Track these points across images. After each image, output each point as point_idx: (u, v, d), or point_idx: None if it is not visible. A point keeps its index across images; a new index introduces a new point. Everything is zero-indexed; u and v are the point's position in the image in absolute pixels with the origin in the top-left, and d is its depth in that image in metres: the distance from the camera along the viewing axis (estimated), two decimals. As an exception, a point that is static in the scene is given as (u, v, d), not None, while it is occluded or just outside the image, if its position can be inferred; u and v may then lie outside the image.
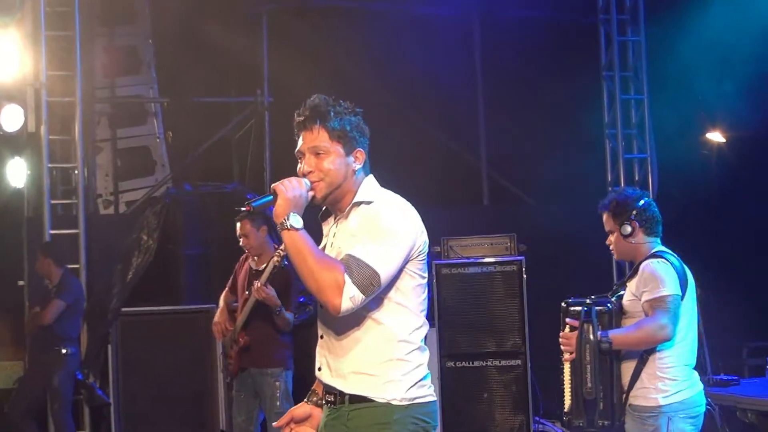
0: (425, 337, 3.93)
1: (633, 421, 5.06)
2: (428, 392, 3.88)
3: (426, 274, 3.92)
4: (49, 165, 9.82)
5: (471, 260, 9.01)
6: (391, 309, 3.80)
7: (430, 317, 9.17)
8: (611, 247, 5.36)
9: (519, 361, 8.77)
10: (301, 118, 3.93)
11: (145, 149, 11.28)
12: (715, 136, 11.87)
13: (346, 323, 3.79)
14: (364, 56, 11.13)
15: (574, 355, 4.95)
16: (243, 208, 3.78)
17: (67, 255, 9.52)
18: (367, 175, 3.98)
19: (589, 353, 4.89)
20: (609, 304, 5.09)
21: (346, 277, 3.63)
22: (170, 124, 11.64)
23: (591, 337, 4.91)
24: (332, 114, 3.89)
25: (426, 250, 3.90)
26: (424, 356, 3.90)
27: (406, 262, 3.78)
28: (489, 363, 8.87)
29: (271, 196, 3.78)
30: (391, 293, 3.79)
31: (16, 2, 9.83)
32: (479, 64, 11.98)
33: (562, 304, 5.17)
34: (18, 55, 9.65)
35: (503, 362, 8.86)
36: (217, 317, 7.41)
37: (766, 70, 9.98)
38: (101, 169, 11.04)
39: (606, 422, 4.97)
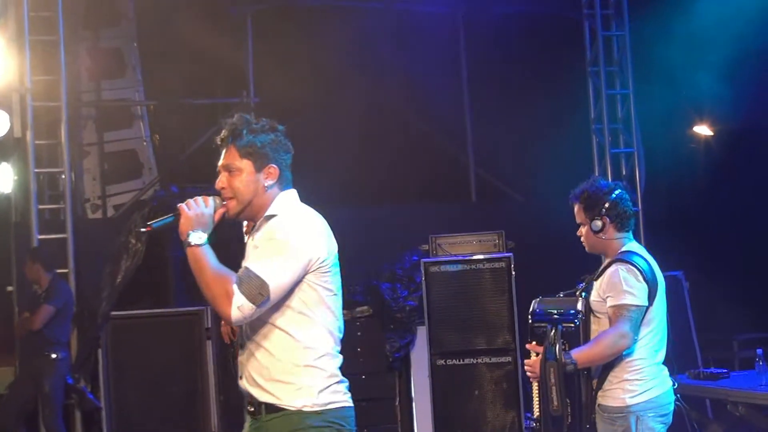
0: (336, 345, 4.06)
1: (603, 422, 5.07)
2: (343, 398, 4.01)
3: (334, 287, 4.04)
4: (36, 170, 9.78)
5: (459, 257, 9.01)
6: (296, 319, 3.92)
7: (420, 316, 9.25)
8: (582, 239, 5.32)
9: (509, 358, 8.77)
10: (219, 137, 4.08)
11: (132, 152, 11.27)
12: (702, 130, 11.91)
13: (258, 333, 3.94)
14: (349, 55, 11.12)
15: (537, 378, 4.95)
16: (143, 229, 4.01)
17: (56, 260, 9.49)
18: (283, 190, 4.09)
19: (553, 376, 4.86)
20: (576, 320, 5.04)
21: (235, 288, 3.78)
22: (157, 127, 11.64)
23: (556, 360, 4.87)
24: (245, 132, 4.00)
25: (333, 263, 4.03)
26: (336, 363, 4.03)
27: (304, 273, 3.90)
28: (479, 360, 8.88)
29: (173, 217, 3.95)
30: (295, 303, 3.92)
31: (-1, 7, 9.80)
32: (464, 61, 12.00)
33: (528, 316, 5.15)
34: (2, 60, 9.61)
35: (493, 359, 8.87)
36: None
37: (751, 62, 10.01)
38: (88, 173, 11.03)
39: None
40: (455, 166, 12.03)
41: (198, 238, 3.87)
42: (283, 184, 4.07)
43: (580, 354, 4.91)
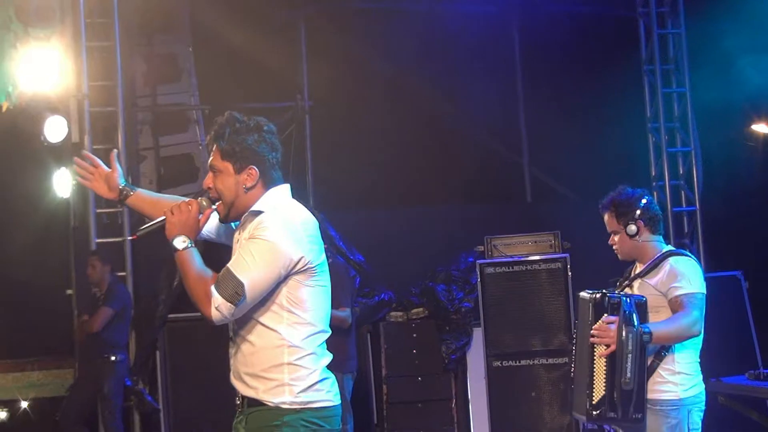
0: (323, 343, 4.05)
1: (654, 416, 5.07)
2: (325, 397, 4.00)
3: (322, 284, 4.03)
4: (94, 175, 9.89)
5: (515, 259, 9.01)
6: (281, 316, 3.95)
7: (476, 317, 9.23)
8: (615, 248, 5.39)
9: (566, 359, 8.70)
10: (208, 136, 4.15)
11: (188, 156, 11.34)
12: (761, 127, 11.76)
13: (244, 328, 4.00)
14: (402, 57, 11.15)
15: (613, 347, 4.91)
16: (130, 237, 4.09)
17: (114, 263, 9.59)
18: (270, 187, 4.07)
19: (631, 343, 4.87)
20: (642, 297, 5.10)
21: (213, 289, 3.85)
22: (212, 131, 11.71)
23: (635, 328, 4.89)
24: (227, 133, 4.01)
25: (320, 261, 4.01)
26: (321, 362, 4.02)
27: (287, 272, 3.91)
28: (536, 362, 8.89)
29: (160, 223, 4.09)
30: (281, 301, 3.95)
31: (56, 14, 9.92)
32: (518, 62, 11.98)
33: (595, 295, 5.11)
34: (59, 66, 9.74)
35: (550, 360, 8.87)
36: None
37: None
38: (145, 177, 11.13)
39: (639, 415, 4.95)
40: (510, 167, 12.01)
41: (181, 242, 3.95)
42: (268, 183, 4.06)
43: (656, 328, 4.95)
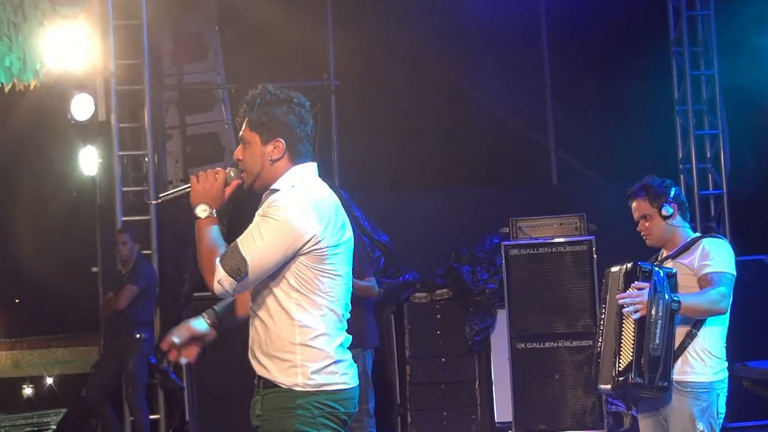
0: (340, 325, 3.98)
1: (685, 398, 5.09)
2: (339, 380, 3.94)
3: (336, 271, 3.94)
4: (120, 153, 9.97)
5: (540, 240, 9.01)
6: (293, 296, 3.90)
7: (500, 299, 9.25)
8: (644, 234, 5.38)
9: (590, 342, 8.66)
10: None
11: (214, 135, 11.35)
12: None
13: (260, 307, 3.96)
14: (427, 34, 11.10)
15: (643, 311, 4.91)
16: (153, 201, 4.08)
17: (140, 241, 9.64)
18: (298, 163, 4.02)
19: (661, 310, 4.88)
20: (673, 269, 5.12)
21: (217, 262, 3.85)
22: (238, 110, 11.70)
23: (666, 295, 4.91)
24: (256, 104, 4.01)
25: (334, 246, 3.92)
26: (335, 342, 3.95)
27: (295, 252, 3.86)
28: (560, 344, 8.89)
29: (186, 188, 4.07)
30: (292, 281, 3.90)
31: (83, -7, 9.96)
32: (545, 41, 11.91)
33: (626, 265, 5.12)
34: (87, 44, 9.78)
35: (574, 343, 8.87)
36: None
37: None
38: (171, 156, 11.15)
39: (665, 383, 4.96)
40: (535, 148, 11.94)
41: (202, 211, 3.96)
42: (295, 157, 4.01)
43: (685, 299, 4.97)
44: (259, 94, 4.01)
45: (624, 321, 5.03)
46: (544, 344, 8.90)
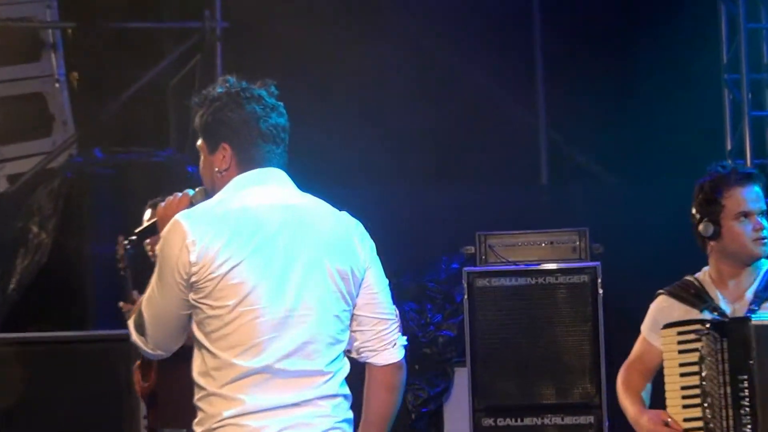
0: (245, 377, 4.12)
1: None
2: None
3: (227, 301, 4.10)
4: None
5: (521, 267, 9.04)
6: (195, 345, 4.21)
7: (459, 352, 9.21)
8: (762, 238, 5.37)
9: (591, 418, 8.81)
10: None
11: (39, 97, 11.27)
12: None
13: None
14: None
15: None
16: (126, 242, 4.79)
17: None
18: (242, 172, 4.28)
19: None
20: None
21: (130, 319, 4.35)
22: (76, 62, 11.61)
23: None
24: (206, 99, 4.36)
25: (218, 271, 4.08)
26: (225, 404, 4.12)
27: (183, 289, 4.12)
28: (546, 420, 8.92)
29: (154, 222, 4.49)
30: (194, 328, 4.19)
31: None
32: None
33: None
34: None
35: (567, 420, 8.90)
36: None
37: None
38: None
39: None
40: (520, 134, 11.97)
41: None
42: (246, 164, 4.28)
43: None
44: (217, 84, 4.36)
45: None
46: (522, 420, 8.94)
